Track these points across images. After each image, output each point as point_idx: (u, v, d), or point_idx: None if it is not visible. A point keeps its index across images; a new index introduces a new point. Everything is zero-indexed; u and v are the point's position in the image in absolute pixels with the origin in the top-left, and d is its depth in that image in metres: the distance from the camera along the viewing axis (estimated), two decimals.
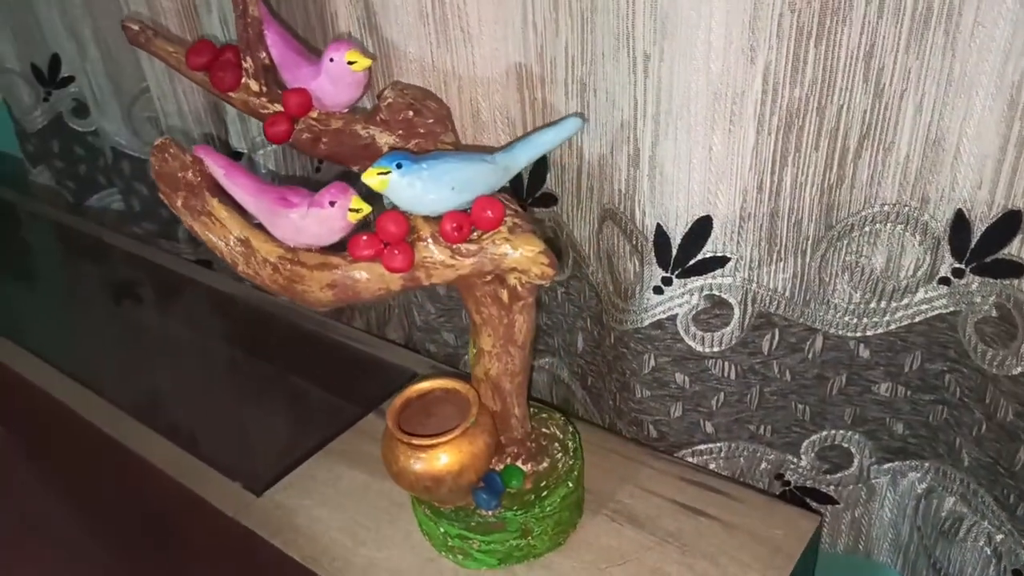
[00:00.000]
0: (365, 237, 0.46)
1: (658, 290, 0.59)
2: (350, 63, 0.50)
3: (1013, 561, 0.57)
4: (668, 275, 0.58)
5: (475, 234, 0.47)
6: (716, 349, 0.60)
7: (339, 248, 0.48)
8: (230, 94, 0.54)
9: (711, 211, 0.55)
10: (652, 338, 0.61)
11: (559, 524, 0.56)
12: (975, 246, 0.52)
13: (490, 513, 0.53)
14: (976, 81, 0.47)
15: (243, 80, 0.53)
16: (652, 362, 0.62)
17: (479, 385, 0.55)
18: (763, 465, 0.66)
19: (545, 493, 0.55)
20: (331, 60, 0.50)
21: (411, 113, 0.52)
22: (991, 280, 0.53)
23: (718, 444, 0.65)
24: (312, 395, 0.76)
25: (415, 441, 0.50)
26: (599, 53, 0.54)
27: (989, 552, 0.58)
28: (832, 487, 0.66)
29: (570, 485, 0.56)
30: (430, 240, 0.47)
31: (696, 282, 0.58)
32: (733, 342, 0.60)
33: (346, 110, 0.54)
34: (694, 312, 0.59)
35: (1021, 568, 0.56)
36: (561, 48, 0.57)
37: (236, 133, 0.80)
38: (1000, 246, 0.51)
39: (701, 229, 0.56)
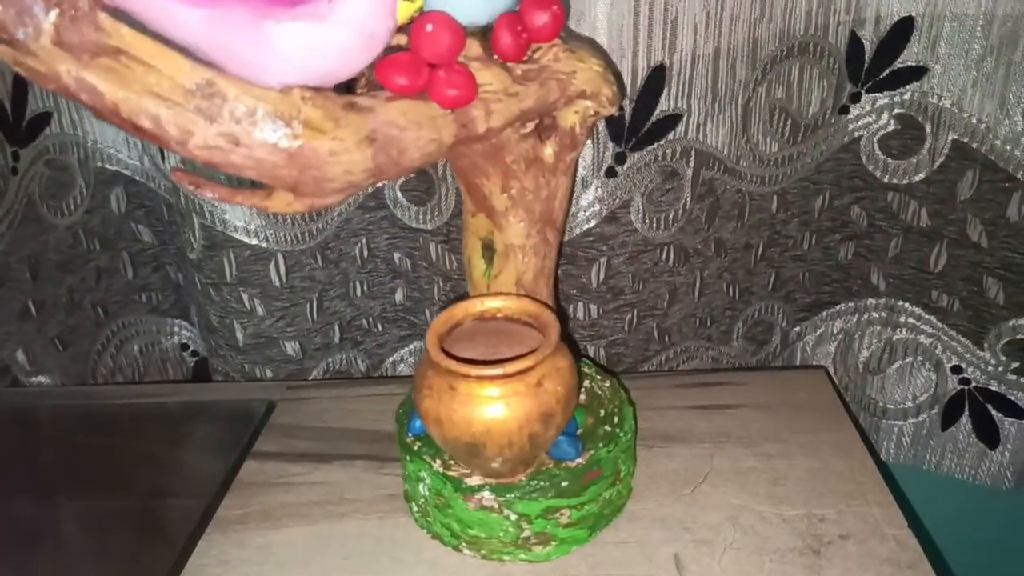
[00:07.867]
0: (404, 59, 0.30)
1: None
2: None
3: (949, 359, 0.60)
4: (622, 150, 0.50)
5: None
6: (666, 232, 0.54)
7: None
8: None
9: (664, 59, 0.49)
10: (605, 236, 0.52)
11: (632, 459, 0.43)
12: (868, 65, 0.55)
13: (580, 461, 0.39)
14: None
15: None
16: (605, 265, 0.53)
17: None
18: (708, 359, 0.61)
19: (616, 420, 0.42)
20: None
21: None
22: (888, 93, 0.56)
23: (670, 350, 0.59)
24: (150, 484, 0.50)
25: (522, 364, 0.34)
26: None
27: (929, 365, 0.61)
28: (758, 359, 0.64)
29: (629, 405, 0.44)
30: (479, 63, 0.33)
31: (646, 156, 0.51)
32: (681, 220, 0.54)
33: None
34: (648, 191, 0.52)
35: (960, 364, 0.60)
36: None
37: None
38: (893, 58, 0.54)
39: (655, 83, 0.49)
